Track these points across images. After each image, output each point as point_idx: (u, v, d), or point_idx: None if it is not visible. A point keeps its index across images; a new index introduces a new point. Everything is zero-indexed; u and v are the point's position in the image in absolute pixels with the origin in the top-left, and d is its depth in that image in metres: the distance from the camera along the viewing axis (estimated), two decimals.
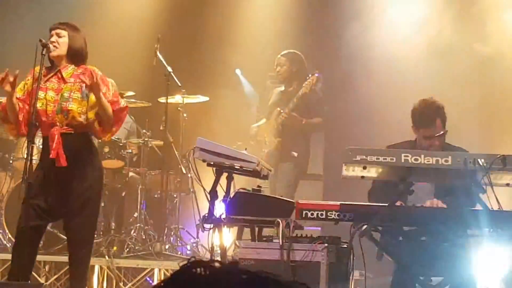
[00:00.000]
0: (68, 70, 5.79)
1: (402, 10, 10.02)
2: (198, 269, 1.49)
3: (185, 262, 1.54)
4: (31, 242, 5.75)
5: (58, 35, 5.78)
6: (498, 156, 4.60)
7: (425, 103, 5.60)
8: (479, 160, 4.58)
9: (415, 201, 5.33)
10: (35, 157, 6.37)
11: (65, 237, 6.00)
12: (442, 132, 5.56)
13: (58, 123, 5.66)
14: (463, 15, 9.86)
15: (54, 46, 5.74)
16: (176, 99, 9.14)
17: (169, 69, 8.81)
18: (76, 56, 5.81)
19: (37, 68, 5.67)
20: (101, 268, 7.74)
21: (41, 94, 5.70)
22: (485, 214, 4.68)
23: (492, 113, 9.66)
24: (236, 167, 5.37)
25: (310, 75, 8.23)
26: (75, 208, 5.70)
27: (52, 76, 5.79)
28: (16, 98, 5.70)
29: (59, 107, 5.67)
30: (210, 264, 1.50)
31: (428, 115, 5.54)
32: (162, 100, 9.05)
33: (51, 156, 5.59)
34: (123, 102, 5.92)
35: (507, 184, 4.73)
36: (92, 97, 5.69)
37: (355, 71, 10.08)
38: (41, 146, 6.10)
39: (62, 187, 5.69)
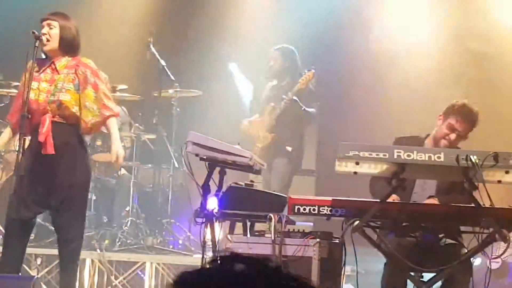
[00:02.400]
0: (62, 61, 5.79)
1: (400, 5, 10.03)
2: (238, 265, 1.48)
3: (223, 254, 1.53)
4: (21, 234, 5.74)
5: (49, 26, 5.77)
6: (491, 153, 4.60)
7: (471, 105, 5.60)
8: (471, 156, 4.58)
9: (423, 194, 5.34)
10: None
11: (54, 230, 5.98)
12: (464, 135, 5.55)
13: (50, 112, 5.65)
14: (459, 12, 9.88)
15: (47, 38, 5.73)
16: (169, 93, 9.13)
17: (163, 62, 8.80)
18: (69, 46, 5.80)
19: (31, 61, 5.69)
20: (92, 261, 7.72)
21: (34, 84, 5.70)
22: (476, 211, 4.68)
23: (490, 111, 9.68)
24: (229, 161, 5.36)
25: (306, 71, 8.21)
26: (62, 200, 5.68)
27: (46, 68, 5.79)
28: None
29: (52, 97, 5.66)
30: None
31: (469, 112, 5.53)
32: (155, 93, 9.04)
33: (39, 139, 5.58)
34: (115, 108, 5.94)
35: (499, 181, 4.73)
36: (91, 94, 5.69)
37: (350, 66, 10.09)
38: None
39: (49, 177, 5.68)
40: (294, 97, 8.12)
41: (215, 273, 1.47)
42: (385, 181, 5.40)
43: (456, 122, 5.52)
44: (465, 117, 5.53)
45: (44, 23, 5.79)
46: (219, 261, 1.49)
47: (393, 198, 5.07)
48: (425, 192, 5.41)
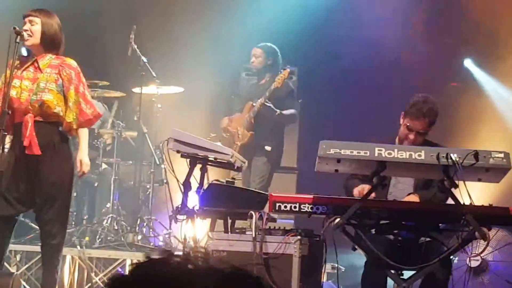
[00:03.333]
0: (45, 59, 5.75)
1: (382, 5, 10.07)
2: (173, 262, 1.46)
3: (160, 253, 1.50)
4: (2, 232, 5.71)
5: (31, 23, 5.74)
6: (471, 151, 4.63)
7: (424, 99, 5.62)
8: (452, 155, 4.60)
9: (398, 193, 5.36)
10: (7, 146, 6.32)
11: (37, 227, 5.97)
12: (423, 131, 5.59)
13: (31, 112, 5.63)
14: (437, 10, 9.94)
15: (28, 34, 5.70)
16: (151, 89, 9.12)
17: (144, 59, 8.78)
18: (51, 43, 5.77)
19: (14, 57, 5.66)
20: (72, 258, 7.70)
21: (16, 82, 5.67)
22: (456, 209, 4.71)
23: (469, 110, 9.75)
24: (210, 158, 5.36)
25: (282, 70, 8.21)
26: (46, 198, 5.67)
27: (29, 65, 5.76)
28: None
29: (34, 97, 5.63)
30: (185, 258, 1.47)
31: (419, 110, 5.56)
32: (136, 90, 9.02)
33: (24, 143, 5.57)
34: (94, 112, 5.91)
35: (479, 179, 4.77)
36: (72, 96, 5.68)
37: (331, 65, 10.11)
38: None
39: (33, 176, 5.67)
40: (267, 103, 8.11)
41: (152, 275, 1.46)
42: (359, 180, 5.45)
43: (411, 122, 5.56)
44: (418, 116, 5.55)
45: (26, 19, 5.76)
46: (151, 261, 1.48)
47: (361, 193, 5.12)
48: (398, 191, 5.42)
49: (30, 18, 5.76)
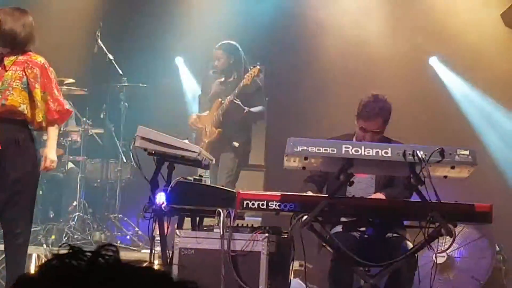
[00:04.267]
0: (10, 58, 5.68)
1: (351, 1, 10.12)
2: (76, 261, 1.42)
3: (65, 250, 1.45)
4: None
5: None
6: (437, 148, 4.67)
7: (374, 98, 5.65)
8: (418, 152, 4.64)
9: (356, 193, 5.39)
10: None
11: (0, 225, 5.90)
12: (378, 130, 5.63)
13: None
14: (407, 9, 10.01)
15: None
16: (117, 87, 9.08)
17: (110, 56, 8.75)
18: (12, 42, 5.68)
19: None
20: (38, 256, 7.64)
21: None
22: (423, 206, 4.75)
23: (433, 109, 9.83)
24: (177, 156, 5.35)
25: (252, 67, 8.22)
26: (9, 196, 5.61)
27: None
28: None
29: None
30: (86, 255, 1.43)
31: (371, 110, 5.59)
32: (102, 88, 8.98)
33: None
34: (67, 106, 5.87)
35: (445, 176, 4.81)
36: (38, 94, 5.62)
37: (299, 62, 10.14)
38: None
39: None
40: (236, 100, 8.12)
41: (60, 273, 1.42)
42: (315, 183, 5.50)
43: (365, 123, 5.61)
44: (371, 117, 5.60)
45: None
46: (59, 259, 1.44)
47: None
48: (356, 190, 5.43)
49: None
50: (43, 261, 7.44)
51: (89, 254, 1.41)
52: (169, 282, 1.43)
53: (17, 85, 5.61)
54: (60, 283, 1.38)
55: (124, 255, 7.80)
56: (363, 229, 5.34)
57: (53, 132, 5.82)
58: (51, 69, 5.78)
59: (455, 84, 10.06)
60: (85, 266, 1.39)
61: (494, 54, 9.59)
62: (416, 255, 5.23)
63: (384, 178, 5.62)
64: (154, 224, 5.27)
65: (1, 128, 5.56)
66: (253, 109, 8.24)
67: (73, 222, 8.30)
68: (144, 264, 1.46)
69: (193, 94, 10.34)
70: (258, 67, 8.19)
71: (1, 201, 5.65)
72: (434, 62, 10.18)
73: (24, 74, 5.63)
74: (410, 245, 5.28)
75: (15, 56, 5.69)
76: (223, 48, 8.45)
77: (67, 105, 5.97)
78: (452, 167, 4.72)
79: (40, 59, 5.70)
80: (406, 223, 5.36)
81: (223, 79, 8.54)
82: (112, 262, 1.40)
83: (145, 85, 9.37)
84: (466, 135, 9.58)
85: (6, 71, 5.65)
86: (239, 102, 8.12)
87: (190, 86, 10.46)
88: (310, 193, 5.32)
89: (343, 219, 5.24)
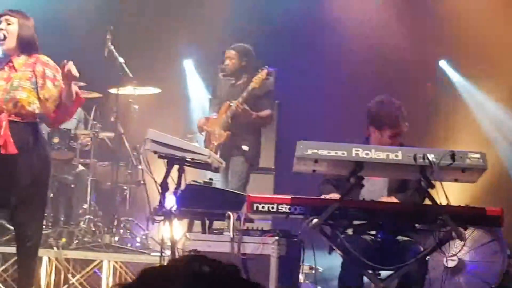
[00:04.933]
0: (20, 59, 5.71)
1: (361, 4, 10.11)
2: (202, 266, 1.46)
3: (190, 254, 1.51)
4: None
5: (7, 22, 5.70)
6: (448, 151, 4.65)
7: (389, 103, 5.64)
8: (428, 155, 4.62)
9: (369, 196, 5.37)
10: None
11: (13, 228, 5.92)
12: (401, 134, 5.62)
13: (6, 111, 5.58)
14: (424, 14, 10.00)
15: (3, 34, 5.65)
16: (128, 90, 9.09)
17: (121, 60, 8.76)
18: (27, 45, 5.72)
19: None
20: (49, 259, 7.66)
21: None
22: (433, 209, 4.73)
23: (445, 110, 9.81)
24: (187, 159, 5.35)
25: (260, 70, 8.22)
26: (22, 199, 5.62)
27: (4, 66, 5.71)
28: None
29: (8, 96, 5.59)
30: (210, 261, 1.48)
31: (399, 116, 5.59)
32: (113, 91, 8.99)
33: None
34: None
35: (456, 180, 4.79)
36: (50, 86, 5.61)
37: (310, 65, 10.13)
38: None
39: (8, 176, 5.61)
40: (243, 105, 8.12)
41: (181, 272, 1.45)
42: (332, 184, 5.47)
43: (394, 131, 5.60)
44: (395, 121, 5.59)
45: (2, 18, 5.71)
46: (183, 261, 1.47)
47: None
48: (369, 194, 5.42)
49: (7, 17, 5.71)
50: (53, 264, 7.47)
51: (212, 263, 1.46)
52: None
53: (27, 85, 5.63)
54: (190, 280, 1.42)
55: (134, 258, 7.82)
56: (373, 232, 5.33)
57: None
58: (57, 67, 5.78)
59: (464, 88, 10.03)
60: (208, 272, 1.44)
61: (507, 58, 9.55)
62: (426, 258, 5.21)
63: (397, 182, 5.60)
64: (164, 227, 5.27)
65: (13, 131, 5.58)
66: (261, 113, 8.24)
67: (83, 225, 8.31)
68: None
69: (201, 97, 10.35)
70: (265, 70, 8.19)
71: (13, 204, 5.66)
72: (443, 65, 10.16)
73: (33, 75, 5.65)
74: (420, 248, 5.27)
75: (24, 58, 5.71)
76: (236, 49, 8.45)
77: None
78: (463, 171, 4.70)
79: (48, 59, 5.73)
80: (417, 226, 5.34)
81: (233, 81, 8.54)
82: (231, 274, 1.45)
83: (154, 88, 9.38)
84: (476, 139, 9.55)
85: (16, 72, 5.67)
86: (247, 107, 8.12)
87: (198, 89, 10.47)
88: (335, 195, 5.25)
89: (356, 222, 5.22)
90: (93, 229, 8.35)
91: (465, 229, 4.80)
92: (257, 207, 4.81)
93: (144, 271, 1.50)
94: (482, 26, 9.63)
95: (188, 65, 10.50)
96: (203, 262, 1.47)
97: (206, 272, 1.45)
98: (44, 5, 9.64)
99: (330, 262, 6.14)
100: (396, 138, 5.62)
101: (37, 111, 5.64)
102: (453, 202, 4.74)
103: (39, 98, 5.65)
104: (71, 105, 5.71)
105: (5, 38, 5.66)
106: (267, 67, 8.25)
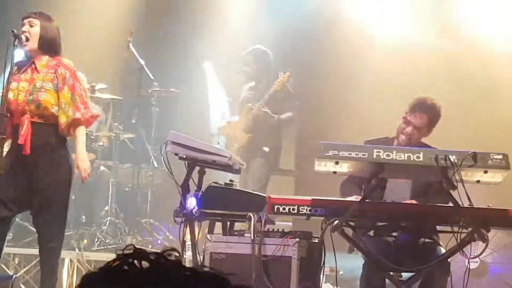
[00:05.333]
0: (42, 60, 5.74)
1: (376, 4, 10.06)
2: (136, 261, 1.44)
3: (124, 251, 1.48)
4: None
5: (30, 24, 5.73)
6: (469, 153, 4.62)
7: (427, 97, 5.67)
8: (450, 156, 4.60)
9: (392, 198, 5.34)
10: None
11: (35, 229, 5.94)
12: (420, 127, 5.59)
13: (28, 113, 5.61)
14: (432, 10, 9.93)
15: (25, 36, 5.68)
16: (149, 92, 9.12)
17: (142, 62, 8.79)
18: (49, 46, 5.75)
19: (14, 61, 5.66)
20: (71, 261, 7.70)
21: (14, 84, 5.65)
22: (455, 211, 4.70)
23: (467, 111, 9.73)
24: (208, 161, 5.35)
25: (281, 73, 8.22)
26: (43, 201, 5.65)
27: (27, 68, 5.74)
28: None
29: (31, 97, 5.62)
30: (150, 256, 1.46)
31: (421, 104, 5.59)
32: (134, 93, 9.02)
33: (19, 141, 5.55)
34: (94, 110, 5.89)
35: (478, 181, 4.76)
36: (66, 95, 5.64)
37: (328, 66, 10.10)
38: None
39: (30, 177, 5.64)
40: (265, 108, 8.12)
41: (122, 272, 1.43)
42: (355, 184, 5.44)
43: (410, 115, 5.60)
44: (418, 110, 5.59)
45: (25, 21, 5.75)
46: (122, 260, 1.45)
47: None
48: (393, 197, 5.40)
49: (30, 19, 5.75)
50: (75, 266, 7.51)
51: (152, 256, 1.44)
52: (227, 285, 1.45)
53: (50, 87, 5.66)
54: (121, 281, 1.40)
55: None
56: (395, 234, 5.31)
57: (81, 134, 5.79)
58: (79, 73, 5.83)
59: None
60: (147, 267, 1.42)
61: None
62: (448, 260, 5.19)
63: (421, 185, 5.56)
64: (185, 228, 5.28)
65: (35, 132, 5.60)
66: (282, 116, 8.25)
67: (104, 227, 8.34)
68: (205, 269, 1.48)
69: (221, 99, 10.35)
70: (288, 73, 8.20)
71: (36, 206, 5.69)
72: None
73: (55, 76, 5.68)
74: (442, 250, 5.24)
75: (46, 60, 5.74)
76: (253, 53, 8.47)
77: (94, 110, 6.00)
78: (485, 172, 4.67)
79: (70, 62, 5.76)
80: (438, 228, 5.31)
81: (253, 84, 8.54)
82: (174, 263, 1.43)
83: (176, 90, 9.40)
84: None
85: (38, 73, 5.70)
86: (268, 110, 8.13)
87: (218, 91, 10.47)
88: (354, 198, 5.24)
89: (378, 224, 5.20)
90: (115, 230, 8.38)
91: (488, 230, 4.77)
92: (278, 209, 4.81)
93: (84, 276, 1.48)
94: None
95: (208, 67, 10.51)
96: (142, 257, 1.45)
97: (148, 268, 1.44)
98: (66, 8, 9.68)
99: (352, 264, 6.13)
100: (409, 127, 5.57)
101: (57, 114, 5.66)
102: (475, 204, 4.71)
103: (58, 101, 5.67)
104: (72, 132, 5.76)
105: (27, 40, 5.70)
106: (289, 70, 8.25)
